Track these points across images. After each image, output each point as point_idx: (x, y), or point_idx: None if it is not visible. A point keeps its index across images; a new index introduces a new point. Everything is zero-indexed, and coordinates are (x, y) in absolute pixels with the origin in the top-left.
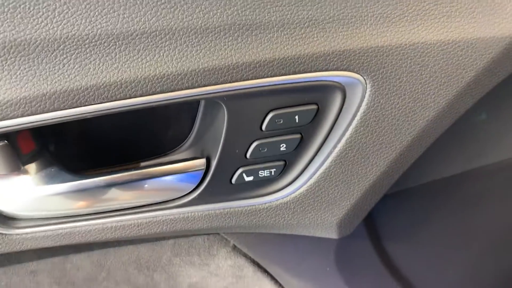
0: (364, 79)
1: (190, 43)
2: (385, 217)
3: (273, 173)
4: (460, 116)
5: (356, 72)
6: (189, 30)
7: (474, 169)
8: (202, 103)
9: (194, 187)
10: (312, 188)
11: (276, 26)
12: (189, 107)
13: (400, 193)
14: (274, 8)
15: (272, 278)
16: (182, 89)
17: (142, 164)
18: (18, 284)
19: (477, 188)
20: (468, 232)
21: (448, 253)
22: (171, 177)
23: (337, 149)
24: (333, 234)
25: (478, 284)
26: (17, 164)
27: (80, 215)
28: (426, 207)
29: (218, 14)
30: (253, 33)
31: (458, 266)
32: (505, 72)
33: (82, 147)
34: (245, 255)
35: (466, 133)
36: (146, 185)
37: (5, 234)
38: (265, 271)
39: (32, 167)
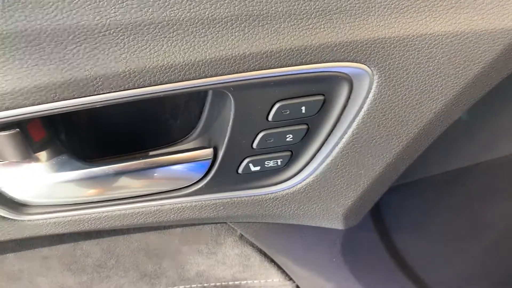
0: (371, 70)
1: (197, 34)
2: (391, 208)
3: (279, 164)
4: (467, 109)
5: (363, 63)
6: (196, 20)
7: (482, 162)
8: (210, 93)
9: (201, 176)
10: (318, 179)
11: (283, 16)
12: (198, 97)
13: (407, 185)
14: None
15: (279, 267)
16: (189, 79)
17: (150, 153)
18: (30, 269)
19: (485, 180)
20: (476, 225)
21: (455, 246)
22: (179, 166)
23: (343, 140)
24: (339, 225)
25: (487, 277)
26: (29, 151)
27: (89, 202)
28: (434, 200)
29: (225, 4)
30: (260, 24)
31: (466, 258)
32: None
33: (92, 136)
34: (252, 245)
35: (475, 125)
36: (154, 174)
37: (17, 220)
38: (271, 260)
39: (43, 154)
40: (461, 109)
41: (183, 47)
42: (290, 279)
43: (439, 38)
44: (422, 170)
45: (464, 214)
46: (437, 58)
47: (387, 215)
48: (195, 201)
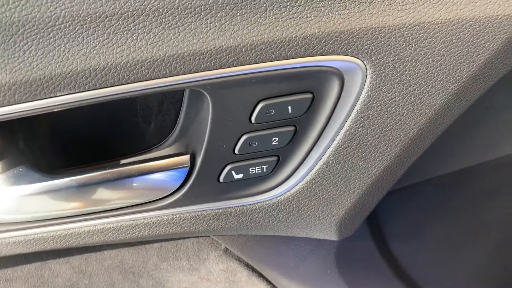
0: (364, 64)
1: (167, 25)
2: (389, 215)
3: (265, 170)
4: (470, 105)
5: (355, 56)
6: (165, 10)
7: (483, 163)
8: (187, 93)
9: (178, 186)
10: (309, 186)
11: (264, 5)
12: (173, 98)
13: (405, 190)
14: None
15: (268, 282)
16: (159, 78)
17: (121, 161)
18: None
19: (486, 183)
20: (478, 230)
21: (456, 253)
22: (153, 175)
23: (335, 143)
24: (332, 236)
25: (489, 285)
26: None
27: (53, 218)
28: (433, 204)
29: None
30: (238, 13)
31: (467, 266)
32: None
33: (54, 143)
34: (238, 259)
35: (476, 124)
36: (125, 185)
37: None
38: (260, 275)
39: None
40: (464, 105)
41: (150, 40)
42: None
43: (438, 27)
44: (421, 173)
45: (466, 219)
46: (437, 49)
47: (385, 222)
48: (172, 214)
